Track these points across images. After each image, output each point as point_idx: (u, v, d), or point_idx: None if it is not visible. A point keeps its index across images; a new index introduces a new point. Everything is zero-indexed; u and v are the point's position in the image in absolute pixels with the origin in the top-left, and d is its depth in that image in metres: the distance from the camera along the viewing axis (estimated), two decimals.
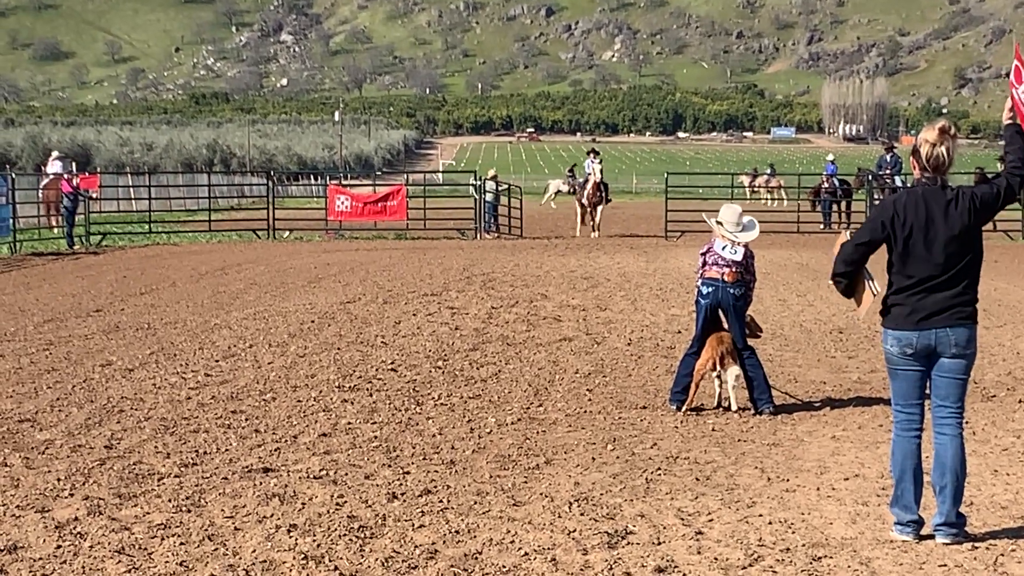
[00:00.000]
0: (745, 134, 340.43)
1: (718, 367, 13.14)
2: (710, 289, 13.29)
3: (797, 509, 9.23)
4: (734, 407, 13.15)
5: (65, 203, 38.94)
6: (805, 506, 9.32)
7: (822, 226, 47.26)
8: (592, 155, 45.00)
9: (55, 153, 50.90)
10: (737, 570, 7.85)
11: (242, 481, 10.07)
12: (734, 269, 13.21)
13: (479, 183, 44.68)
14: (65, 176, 40.85)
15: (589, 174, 44.04)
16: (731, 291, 13.20)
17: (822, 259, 32.61)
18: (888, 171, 45.18)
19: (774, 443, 11.58)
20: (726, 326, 13.40)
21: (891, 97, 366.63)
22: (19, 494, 9.64)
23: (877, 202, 43.38)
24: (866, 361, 16.28)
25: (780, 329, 19.20)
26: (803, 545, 8.31)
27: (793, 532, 8.62)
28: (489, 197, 46.34)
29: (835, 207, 48.98)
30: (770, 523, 8.84)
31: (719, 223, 13.43)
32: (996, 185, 8.39)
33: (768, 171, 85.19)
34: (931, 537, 8.37)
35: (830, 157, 54.77)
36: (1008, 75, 9.54)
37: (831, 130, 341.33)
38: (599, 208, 43.82)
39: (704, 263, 13.45)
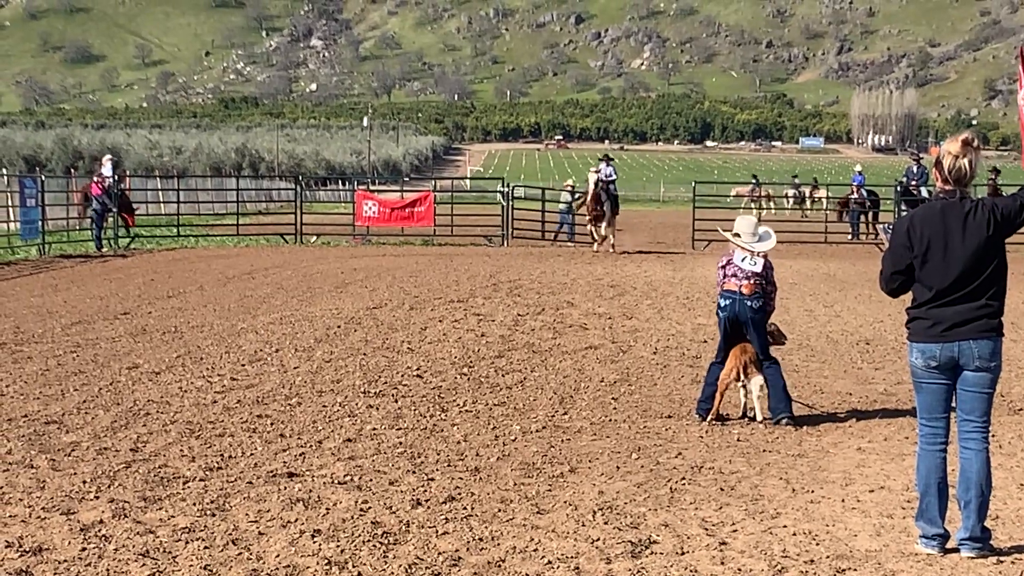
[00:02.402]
0: (774, 144, 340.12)
1: (742, 376, 13.13)
2: (727, 302, 13.34)
3: (822, 521, 9.21)
4: (759, 417, 13.12)
5: (94, 206, 39.05)
6: (830, 518, 9.30)
7: (850, 236, 47.17)
8: (604, 161, 41.05)
9: (108, 156, 51.20)
10: None
11: (267, 486, 10.09)
12: (752, 281, 13.25)
13: (507, 190, 44.59)
14: (95, 178, 40.94)
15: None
16: (748, 303, 13.22)
17: (849, 270, 32.56)
18: (915, 182, 45.01)
19: (799, 454, 11.55)
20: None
21: (920, 108, 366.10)
22: (44, 496, 9.67)
23: (905, 213, 43.42)
24: (892, 373, 16.23)
25: (807, 340, 19.15)
26: (827, 557, 8.29)
27: (817, 544, 8.60)
28: (562, 207, 46.18)
29: (863, 218, 48.86)
30: (794, 534, 8.83)
31: (736, 235, 13.47)
32: (1019, 198, 8.32)
33: (753, 182, 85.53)
34: (956, 551, 8.35)
35: (858, 168, 54.61)
36: None
37: (860, 140, 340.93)
38: (602, 224, 38.94)
39: (724, 275, 13.48)
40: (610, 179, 39.94)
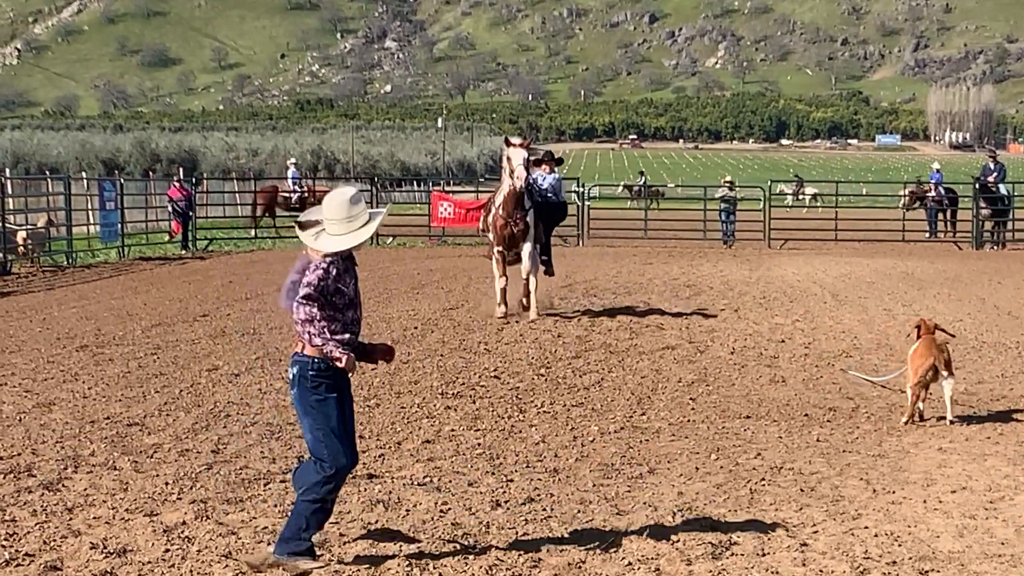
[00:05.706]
0: (849, 141, 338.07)
1: (939, 374, 12.81)
2: None
3: (903, 522, 9.14)
4: (950, 417, 12.90)
5: (177, 208, 39.37)
6: (911, 519, 9.22)
7: (927, 235, 46.78)
8: (546, 164, 24.19)
9: (292, 159, 52.00)
10: None
11: (347, 487, 10.10)
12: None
13: (582, 189, 44.47)
14: (175, 182, 41.28)
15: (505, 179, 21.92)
16: None
17: (928, 269, 32.29)
18: (992, 179, 44.47)
19: (879, 454, 11.45)
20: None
21: (998, 104, 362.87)
22: (128, 498, 9.76)
23: (984, 211, 43.04)
24: (973, 372, 16.07)
25: (885, 339, 19.00)
26: (910, 558, 8.22)
27: (899, 545, 8.53)
28: (724, 207, 45.41)
29: (940, 216, 48.41)
30: (876, 536, 8.76)
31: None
32: None
33: (641, 177, 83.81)
34: None
35: (936, 165, 54.10)
36: None
37: (937, 138, 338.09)
38: (525, 250, 21.89)
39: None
40: (542, 180, 23.51)
